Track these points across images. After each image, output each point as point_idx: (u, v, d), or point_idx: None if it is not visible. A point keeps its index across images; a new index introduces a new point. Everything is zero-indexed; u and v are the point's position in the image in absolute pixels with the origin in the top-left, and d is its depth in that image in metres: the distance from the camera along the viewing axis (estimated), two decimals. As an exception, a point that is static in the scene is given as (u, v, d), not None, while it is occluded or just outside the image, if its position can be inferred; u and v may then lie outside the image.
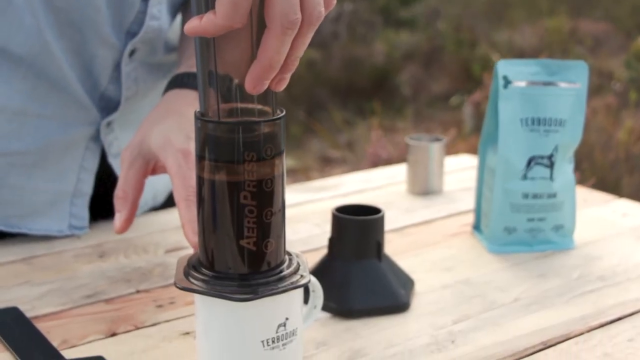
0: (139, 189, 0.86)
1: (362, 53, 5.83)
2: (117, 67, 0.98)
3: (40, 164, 0.97)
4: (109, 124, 1.01)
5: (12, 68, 0.92)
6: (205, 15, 0.57)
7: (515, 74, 0.98)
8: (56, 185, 1.00)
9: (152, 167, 0.87)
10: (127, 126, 1.04)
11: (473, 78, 5.00)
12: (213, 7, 0.57)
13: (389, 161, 3.13)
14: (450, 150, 1.46)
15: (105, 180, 1.02)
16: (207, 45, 0.60)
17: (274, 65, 0.58)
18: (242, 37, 0.59)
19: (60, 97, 0.95)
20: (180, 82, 0.93)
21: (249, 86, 0.58)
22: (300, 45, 0.59)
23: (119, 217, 0.85)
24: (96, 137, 1.01)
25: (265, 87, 0.59)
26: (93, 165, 1.02)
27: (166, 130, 0.84)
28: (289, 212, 0.67)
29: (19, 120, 0.94)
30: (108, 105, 1.01)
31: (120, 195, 0.85)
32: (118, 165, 1.03)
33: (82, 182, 1.02)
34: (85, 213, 1.03)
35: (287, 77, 0.60)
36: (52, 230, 1.01)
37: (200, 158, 0.64)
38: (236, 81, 0.61)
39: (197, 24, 0.57)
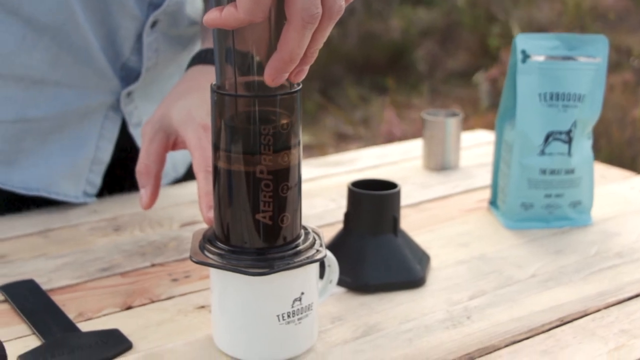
0: (161, 163, 0.86)
1: (378, 29, 5.79)
2: (139, 38, 0.99)
3: (57, 131, 0.98)
4: (129, 94, 1.02)
5: (36, 38, 0.92)
6: (225, 7, 0.57)
7: (534, 48, 0.96)
8: (74, 152, 1.01)
9: (173, 142, 0.87)
10: (147, 97, 1.05)
11: (490, 54, 4.96)
12: (234, 0, 0.56)
13: (403, 138, 3.12)
14: (466, 126, 1.45)
15: (126, 149, 1.03)
16: None
17: (293, 59, 0.58)
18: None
19: (82, 66, 0.96)
20: (204, 58, 0.93)
21: (268, 78, 0.59)
22: (319, 38, 0.59)
23: (144, 193, 0.85)
24: (116, 107, 1.02)
25: (284, 79, 0.59)
26: (112, 134, 1.03)
27: (188, 106, 0.85)
28: (304, 187, 0.67)
29: (37, 89, 0.95)
30: (129, 75, 1.01)
31: (143, 171, 0.85)
32: (138, 135, 1.04)
33: (101, 150, 1.02)
34: (98, 181, 1.04)
35: (306, 69, 0.61)
36: (69, 196, 1.02)
37: (215, 145, 0.64)
38: (254, 56, 0.60)
39: (217, 16, 0.57)
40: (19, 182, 0.99)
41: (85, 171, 1.02)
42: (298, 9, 0.56)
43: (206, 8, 1.06)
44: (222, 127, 0.63)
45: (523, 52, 0.96)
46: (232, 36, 0.59)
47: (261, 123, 0.61)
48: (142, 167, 0.85)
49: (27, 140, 0.97)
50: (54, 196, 1.01)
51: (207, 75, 0.91)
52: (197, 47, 1.11)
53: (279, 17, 0.58)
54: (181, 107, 0.85)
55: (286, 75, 0.59)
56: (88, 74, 0.97)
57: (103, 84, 0.99)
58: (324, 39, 0.60)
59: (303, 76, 0.61)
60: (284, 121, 0.62)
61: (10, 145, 0.97)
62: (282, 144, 0.62)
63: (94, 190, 1.04)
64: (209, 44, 0.96)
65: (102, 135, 1.02)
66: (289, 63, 0.58)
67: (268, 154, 0.62)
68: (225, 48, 0.60)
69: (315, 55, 0.60)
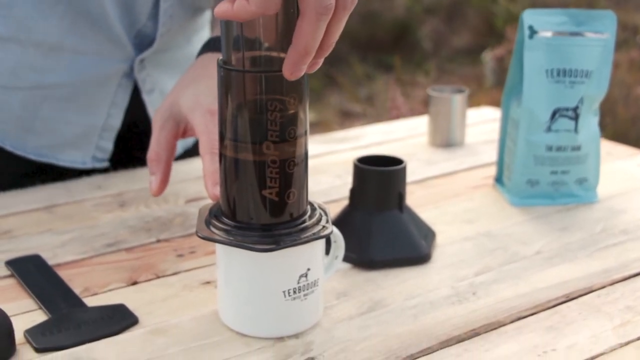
0: (171, 150, 0.86)
1: (382, 6, 5.76)
2: (156, 3, 1.00)
3: (73, 98, 1.00)
4: (141, 61, 1.03)
5: (52, 5, 0.93)
6: (237, 0, 0.56)
7: (541, 24, 0.96)
8: (87, 119, 1.02)
9: (183, 129, 0.87)
10: (159, 65, 1.07)
11: (495, 32, 4.94)
12: None
13: (408, 116, 3.12)
14: (472, 103, 1.45)
15: (137, 115, 1.05)
16: None
17: (309, 51, 0.58)
18: None
19: (98, 33, 0.97)
20: (214, 46, 0.93)
21: (287, 72, 0.59)
22: (335, 30, 0.59)
23: (154, 180, 0.86)
24: (129, 74, 1.03)
25: (303, 72, 0.59)
26: (123, 101, 1.04)
27: (196, 93, 0.85)
28: (310, 163, 0.67)
29: (55, 55, 0.96)
30: (142, 42, 1.02)
31: (153, 158, 0.85)
32: (151, 101, 1.06)
33: (112, 117, 1.04)
34: (109, 146, 1.06)
35: (320, 61, 0.61)
36: (77, 162, 1.04)
37: (222, 131, 0.63)
38: (262, 39, 0.60)
39: (229, 8, 0.57)
40: (32, 148, 1.01)
41: (94, 138, 1.04)
42: (311, 1, 0.55)
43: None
44: (229, 106, 0.62)
45: (530, 27, 0.96)
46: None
47: (268, 101, 0.61)
48: (153, 154, 0.86)
49: (44, 108, 0.99)
50: (61, 163, 1.03)
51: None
52: (207, 15, 1.12)
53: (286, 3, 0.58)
54: (190, 94, 0.86)
55: (304, 68, 0.59)
56: (104, 40, 0.98)
57: (118, 51, 1.00)
58: (340, 31, 0.59)
59: (317, 67, 0.61)
60: (291, 107, 0.62)
61: (27, 112, 0.98)
62: (289, 103, 0.62)
63: (105, 155, 1.06)
64: (219, 32, 0.96)
65: (114, 102, 1.03)
66: (305, 56, 0.58)
67: (275, 130, 0.61)
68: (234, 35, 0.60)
69: (332, 47, 0.60)
